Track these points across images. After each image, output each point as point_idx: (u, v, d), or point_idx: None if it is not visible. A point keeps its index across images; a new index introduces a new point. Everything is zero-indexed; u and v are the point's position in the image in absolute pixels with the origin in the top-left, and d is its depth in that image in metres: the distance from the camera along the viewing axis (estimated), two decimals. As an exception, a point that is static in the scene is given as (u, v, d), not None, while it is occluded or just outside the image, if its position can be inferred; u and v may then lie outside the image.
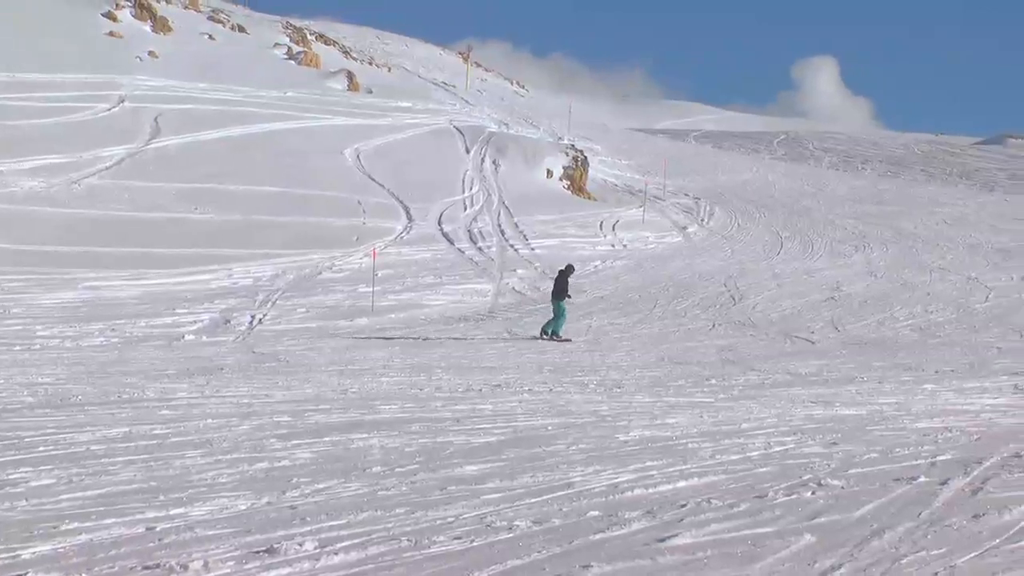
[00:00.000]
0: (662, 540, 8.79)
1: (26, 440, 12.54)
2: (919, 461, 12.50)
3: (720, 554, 8.45)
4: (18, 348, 27.44)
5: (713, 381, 22.13)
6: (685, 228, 61.18)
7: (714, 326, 35.91)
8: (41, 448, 12.14)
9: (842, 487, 10.92)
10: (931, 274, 48.34)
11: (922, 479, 11.35)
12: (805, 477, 11.38)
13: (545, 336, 32.19)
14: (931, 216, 67.67)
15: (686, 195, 71.09)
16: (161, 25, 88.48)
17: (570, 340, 31.78)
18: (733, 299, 41.63)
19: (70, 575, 7.60)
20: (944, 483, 11.17)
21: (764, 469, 11.87)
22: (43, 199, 49.01)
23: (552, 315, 33.14)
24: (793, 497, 10.41)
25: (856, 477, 11.45)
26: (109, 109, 66.03)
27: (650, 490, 10.66)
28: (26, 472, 10.83)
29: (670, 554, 8.43)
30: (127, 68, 74.93)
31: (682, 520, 9.44)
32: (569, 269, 35.09)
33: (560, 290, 33.49)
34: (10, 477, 10.60)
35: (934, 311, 39.45)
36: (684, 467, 11.87)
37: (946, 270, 49.57)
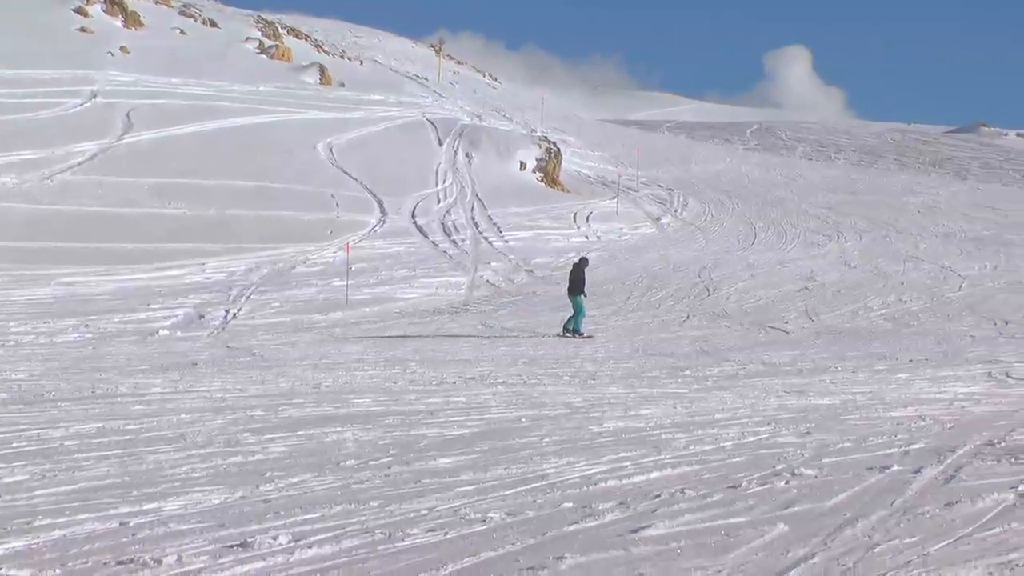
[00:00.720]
0: (636, 531, 8.80)
1: (-1, 437, 12.51)
2: (892, 450, 12.54)
3: (694, 544, 8.46)
4: (-9, 345, 27.36)
5: (687, 372, 22.17)
6: (659, 219, 61.25)
7: (688, 317, 35.97)
8: (14, 444, 12.11)
9: (815, 476, 10.95)
10: (905, 263, 48.50)
11: (895, 468, 11.38)
12: (779, 467, 11.41)
13: (568, 334, 31.19)
14: (904, 205, 67.92)
15: (659, 186, 71.16)
16: (132, 20, 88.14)
17: (591, 337, 30.81)
18: (707, 290, 41.71)
19: (43, 571, 7.59)
20: (917, 471, 11.21)
21: (738, 459, 11.90)
22: (15, 195, 48.83)
23: (571, 311, 32.11)
24: (767, 487, 10.43)
25: (829, 466, 11.48)
26: (81, 105, 65.77)
27: (624, 481, 10.68)
28: (-1, 469, 10.81)
29: (644, 545, 8.44)
30: (99, 64, 74.62)
31: (656, 511, 9.46)
32: (583, 262, 33.77)
33: (576, 285, 32.36)
34: (-17, 474, 10.57)
35: (908, 300, 39.57)
36: (658, 458, 11.89)
37: (919, 259, 49.74)
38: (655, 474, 11.02)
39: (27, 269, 39.60)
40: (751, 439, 13.21)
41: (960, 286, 42.72)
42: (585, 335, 31.07)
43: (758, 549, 8.36)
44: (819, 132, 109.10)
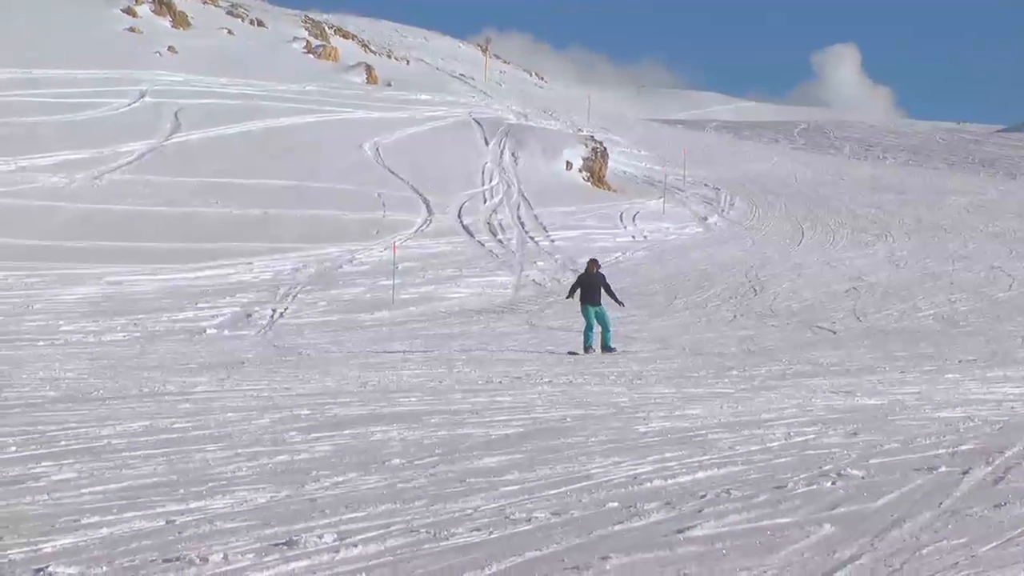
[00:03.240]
0: (681, 531, 8.77)
1: (48, 434, 12.58)
2: (940, 451, 12.45)
3: (739, 545, 8.42)
4: (41, 343, 27.55)
5: (734, 372, 22.10)
6: (706, 219, 61.10)
7: (735, 317, 35.87)
8: (63, 442, 12.17)
9: (863, 477, 10.88)
10: (954, 263, 48.22)
11: (943, 468, 11.30)
12: (825, 467, 11.34)
13: (604, 351, 27.24)
14: (953, 205, 67.47)
15: (706, 185, 70.97)
16: (180, 20, 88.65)
17: (615, 350, 27.45)
18: (754, 290, 41.58)
19: (91, 568, 7.62)
20: (966, 472, 11.12)
21: (784, 460, 11.84)
22: (65, 195, 49.15)
23: (591, 325, 28.00)
24: (813, 487, 10.37)
25: (877, 467, 11.41)
26: (130, 104, 66.18)
27: (669, 481, 10.64)
28: (48, 466, 10.86)
29: (689, 545, 8.41)
30: (147, 64, 75.07)
31: (701, 511, 9.42)
32: (592, 265, 29.57)
33: (593, 292, 28.44)
34: (32, 471, 10.63)
35: (957, 300, 39.35)
36: (704, 458, 11.84)
37: (969, 259, 49.43)
38: (701, 474, 10.98)
39: (76, 268, 39.85)
40: (798, 439, 13.15)
41: (1010, 286, 42.44)
42: (617, 349, 27.59)
43: (804, 550, 8.32)
44: (867, 131, 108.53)
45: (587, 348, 27.42)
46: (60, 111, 61.77)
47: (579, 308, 28.66)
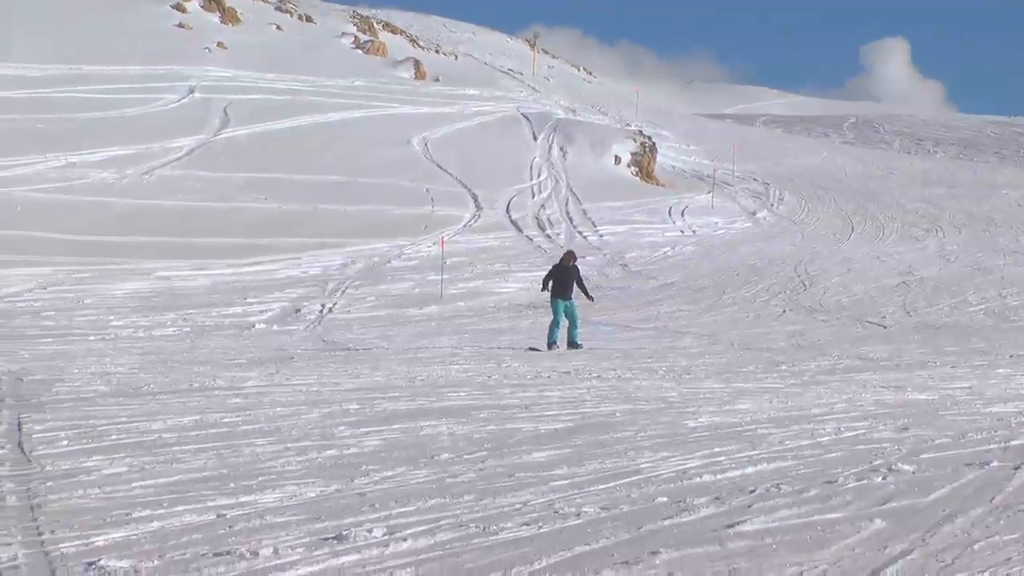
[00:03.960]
0: (731, 526, 8.75)
1: (99, 429, 12.64)
2: (992, 446, 12.38)
3: (789, 540, 8.40)
4: (92, 338, 27.70)
5: (783, 367, 22.02)
6: (754, 213, 60.92)
7: (784, 311, 35.75)
8: (114, 436, 12.23)
9: (913, 472, 10.83)
10: (1005, 257, 47.92)
11: (995, 464, 11.23)
12: (876, 462, 11.29)
13: (571, 347, 26.41)
14: (1004, 199, 66.98)
15: (755, 180, 70.75)
16: (229, 16, 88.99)
17: (582, 347, 26.54)
18: (804, 284, 41.43)
19: (142, 562, 7.66)
20: (1017, 468, 11.05)
21: (834, 454, 11.79)
22: (114, 190, 49.43)
23: (558, 320, 26.91)
24: (864, 483, 10.33)
25: (928, 462, 11.35)
26: (179, 100, 66.50)
27: (719, 476, 10.62)
28: (99, 460, 10.92)
29: (739, 540, 8.39)
30: (196, 59, 75.39)
31: (751, 506, 9.39)
32: (569, 257, 28.25)
33: (565, 286, 27.20)
34: (83, 465, 10.69)
35: (1008, 295, 39.10)
36: (753, 453, 11.81)
37: (1020, 253, 49.13)
38: (750, 469, 10.95)
39: (126, 263, 40.07)
40: (848, 434, 13.09)
41: (1062, 280, 42.14)
42: (583, 346, 26.69)
43: (855, 545, 8.29)
44: (917, 125, 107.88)
45: (551, 344, 26.42)
46: (110, 107, 62.15)
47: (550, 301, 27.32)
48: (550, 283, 27.44)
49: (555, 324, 26.73)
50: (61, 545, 8.02)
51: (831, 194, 67.17)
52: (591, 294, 28.26)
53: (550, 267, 29.01)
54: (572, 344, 26.52)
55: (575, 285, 27.32)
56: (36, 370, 18.39)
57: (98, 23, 77.35)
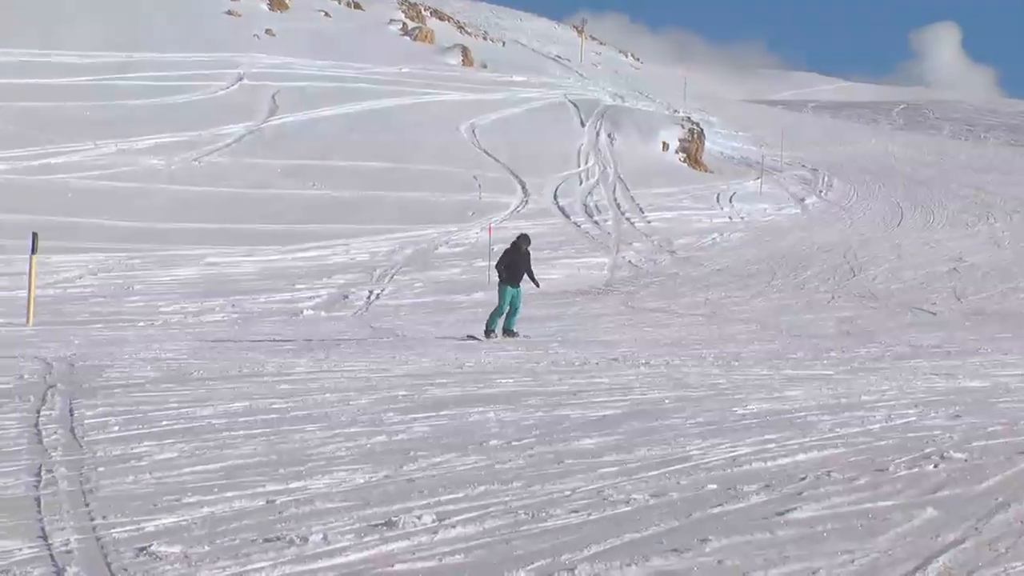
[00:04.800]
0: (781, 514, 8.71)
1: (150, 415, 12.69)
2: (1045, 433, 12.29)
3: (840, 528, 8.35)
4: (142, 324, 27.83)
5: (833, 353, 21.93)
6: (803, 199, 60.71)
7: (833, 298, 35.60)
8: (164, 422, 12.28)
9: (966, 460, 10.75)
10: (1056, 244, 47.56)
11: (1048, 451, 11.15)
12: (927, 450, 11.22)
13: (494, 335, 24.75)
14: (1056, 185, 66.48)
15: (804, 166, 70.49)
16: (278, 3, 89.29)
17: (518, 335, 25.13)
18: (853, 271, 41.24)
19: (193, 547, 7.68)
20: (1071, 456, 10.97)
21: (885, 442, 11.72)
22: (164, 177, 49.68)
23: (504, 308, 25.32)
24: (915, 470, 10.26)
25: (980, 450, 11.27)
26: (227, 87, 66.72)
27: (769, 463, 10.57)
28: (150, 446, 10.96)
29: (789, 528, 8.34)
30: (245, 46, 75.66)
31: (801, 494, 9.35)
32: (524, 241, 26.55)
33: (516, 272, 25.68)
34: (134, 451, 10.73)
35: (1060, 281, 38.82)
36: (803, 440, 11.75)
37: (1072, 239, 48.74)
38: (800, 456, 10.89)
39: (175, 250, 40.24)
40: (899, 422, 13.02)
41: (1114, 267, 41.80)
42: (518, 335, 25.13)
43: (907, 534, 8.23)
44: (967, 111, 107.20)
45: (490, 332, 24.80)
46: (159, 94, 62.45)
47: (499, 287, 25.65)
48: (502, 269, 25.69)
49: (499, 312, 25.18)
50: (113, 531, 8.05)
51: (880, 180, 66.85)
52: (537, 281, 26.51)
53: (502, 253, 26.75)
54: (508, 331, 25.06)
55: (525, 272, 25.80)
56: (87, 356, 18.49)
57: (149, 11, 77.73)
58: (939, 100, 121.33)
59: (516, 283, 25.36)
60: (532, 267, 26.20)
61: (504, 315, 25.22)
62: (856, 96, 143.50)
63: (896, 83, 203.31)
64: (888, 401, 14.69)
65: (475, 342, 24.04)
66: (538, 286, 26.86)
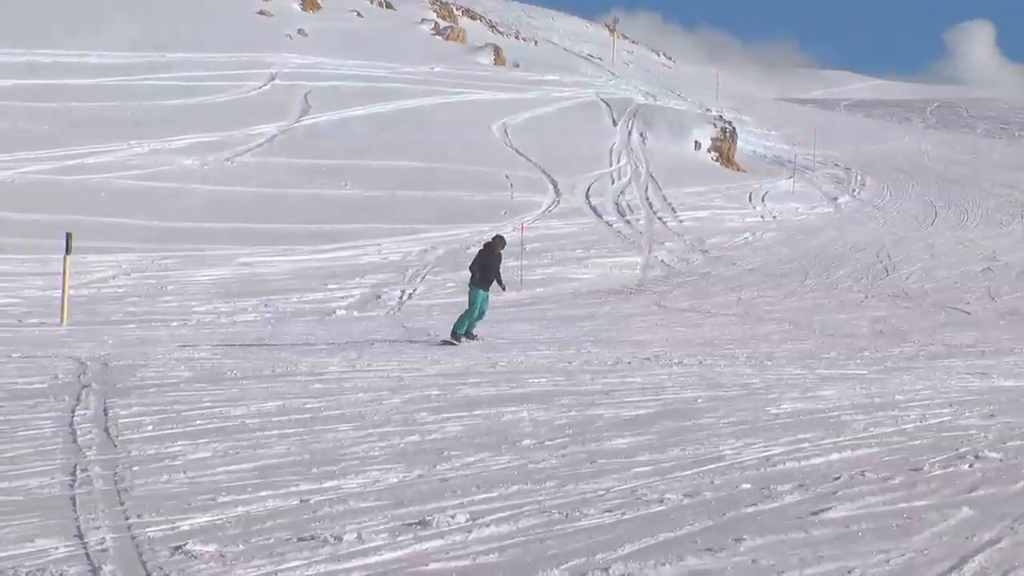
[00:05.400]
0: (815, 513, 8.70)
1: (184, 414, 12.75)
2: (1081, 433, 12.23)
3: (875, 527, 8.33)
4: (175, 324, 27.91)
5: (866, 353, 21.88)
6: (836, 198, 60.51)
7: (866, 297, 35.48)
8: (198, 422, 12.33)
9: (1000, 460, 10.72)
10: (1091, 243, 47.32)
11: (1084, 452, 11.10)
12: (962, 449, 11.19)
13: (467, 338, 23.95)
14: (1090, 183, 66.12)
15: (836, 165, 70.27)
16: (310, 3, 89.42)
17: (479, 339, 24.23)
18: (886, 270, 41.10)
19: (227, 546, 7.71)
20: (1107, 456, 10.92)
21: (919, 441, 11.69)
22: (197, 177, 49.76)
23: (473, 311, 24.60)
24: (950, 470, 10.23)
25: (1015, 449, 11.23)
26: (260, 87, 66.84)
27: (802, 463, 10.55)
28: (184, 445, 11.01)
29: (824, 527, 8.33)
30: (277, 46, 75.75)
31: (836, 493, 9.33)
32: (498, 243, 25.46)
33: (487, 274, 24.81)
34: (169, 450, 10.78)
35: (1095, 280, 38.62)
36: (837, 440, 11.73)
37: (1106, 239, 48.49)
38: (834, 456, 10.87)
39: (208, 250, 40.33)
40: (933, 421, 12.98)
41: None
42: (478, 338, 24.26)
43: (942, 533, 8.21)
44: (1002, 109, 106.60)
45: (457, 335, 23.92)
46: (191, 94, 62.57)
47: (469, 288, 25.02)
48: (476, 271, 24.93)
49: (469, 315, 24.47)
50: (148, 529, 8.09)
51: (913, 179, 66.60)
52: (504, 284, 25.64)
53: (476, 254, 25.82)
54: (468, 334, 24.13)
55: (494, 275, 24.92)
56: (121, 356, 18.57)
57: (182, 11, 77.89)
58: (973, 98, 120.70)
59: (487, 286, 24.69)
60: (501, 271, 25.35)
61: (472, 318, 24.53)
62: (889, 95, 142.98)
63: (930, 81, 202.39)
64: (922, 400, 14.65)
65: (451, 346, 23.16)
66: (504, 289, 26.12)
